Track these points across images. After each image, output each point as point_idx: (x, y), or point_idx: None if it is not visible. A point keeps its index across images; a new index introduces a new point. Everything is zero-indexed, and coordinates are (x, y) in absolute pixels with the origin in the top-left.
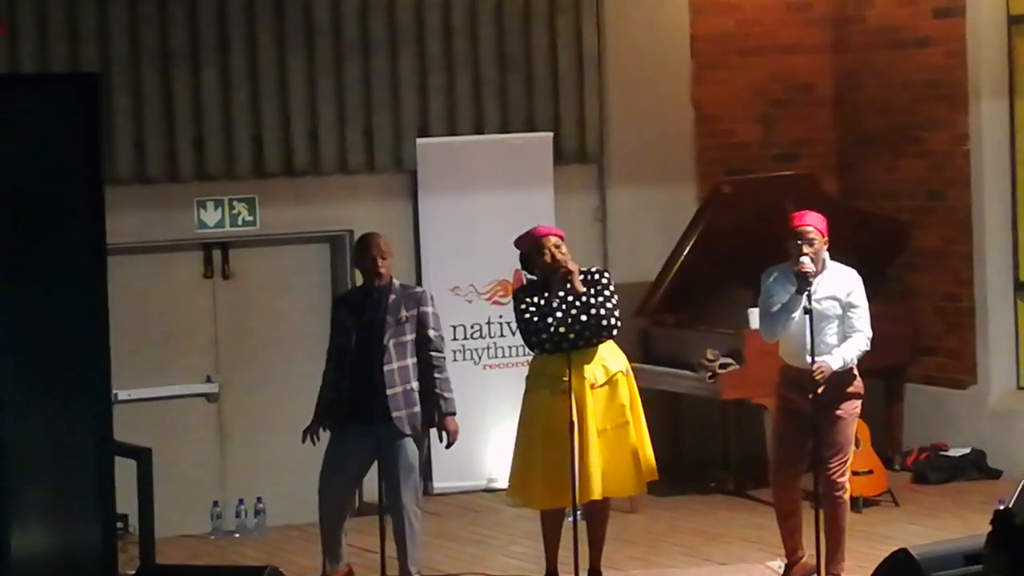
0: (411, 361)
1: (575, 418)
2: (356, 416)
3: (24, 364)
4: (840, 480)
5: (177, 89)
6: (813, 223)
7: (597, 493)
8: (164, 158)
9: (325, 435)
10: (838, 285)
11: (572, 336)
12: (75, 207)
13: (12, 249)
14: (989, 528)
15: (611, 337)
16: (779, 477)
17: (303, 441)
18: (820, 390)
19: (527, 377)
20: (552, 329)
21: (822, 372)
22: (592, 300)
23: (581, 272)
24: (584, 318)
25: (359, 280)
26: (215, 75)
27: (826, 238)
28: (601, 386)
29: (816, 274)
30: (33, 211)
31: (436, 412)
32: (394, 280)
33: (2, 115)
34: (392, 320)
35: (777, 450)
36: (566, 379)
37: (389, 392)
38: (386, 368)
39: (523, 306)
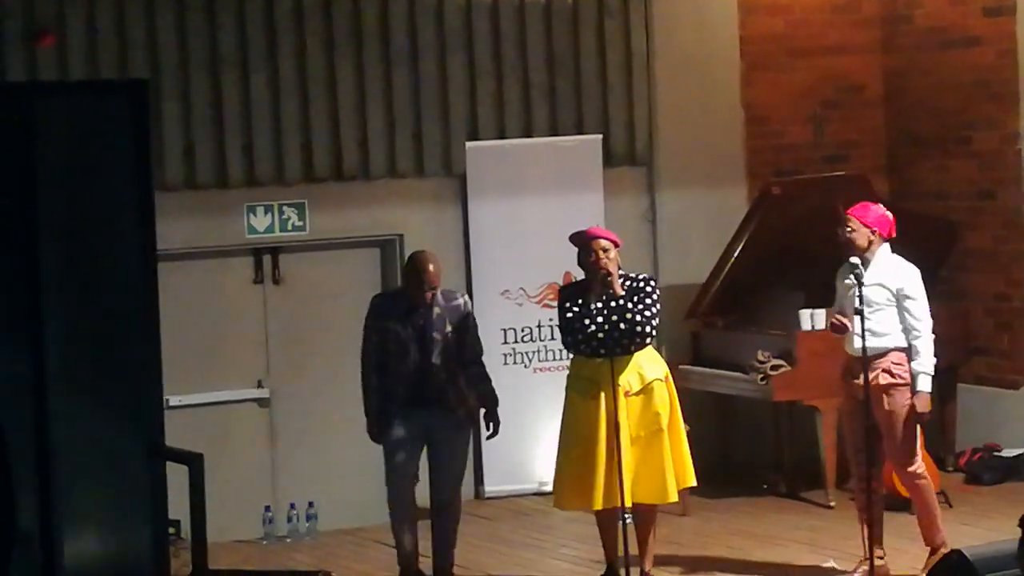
0: (458, 371)
1: (605, 421)
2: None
3: (76, 370)
4: (910, 469)
5: (226, 94)
6: (854, 212)
7: (626, 500)
8: (214, 164)
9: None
10: (889, 275)
11: (610, 343)
12: (125, 213)
13: (63, 256)
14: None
15: (644, 345)
16: (859, 468)
17: (373, 439)
18: (861, 379)
19: (567, 377)
20: (588, 332)
21: (924, 406)
22: (630, 306)
23: (629, 278)
24: (622, 325)
25: None
26: (264, 80)
27: (871, 228)
28: (636, 394)
29: (855, 253)
30: (83, 218)
31: (483, 408)
32: (437, 291)
33: (52, 122)
34: (439, 337)
35: (850, 441)
36: (597, 385)
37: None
38: (436, 382)
39: (566, 305)
